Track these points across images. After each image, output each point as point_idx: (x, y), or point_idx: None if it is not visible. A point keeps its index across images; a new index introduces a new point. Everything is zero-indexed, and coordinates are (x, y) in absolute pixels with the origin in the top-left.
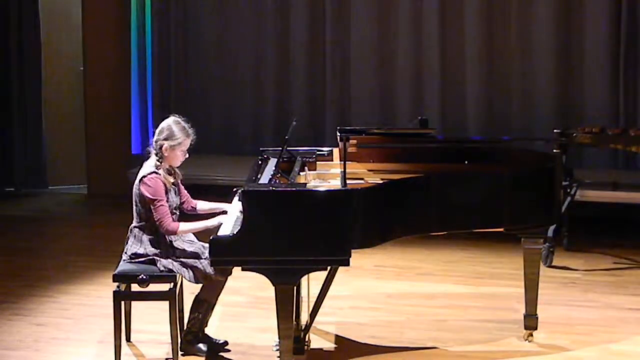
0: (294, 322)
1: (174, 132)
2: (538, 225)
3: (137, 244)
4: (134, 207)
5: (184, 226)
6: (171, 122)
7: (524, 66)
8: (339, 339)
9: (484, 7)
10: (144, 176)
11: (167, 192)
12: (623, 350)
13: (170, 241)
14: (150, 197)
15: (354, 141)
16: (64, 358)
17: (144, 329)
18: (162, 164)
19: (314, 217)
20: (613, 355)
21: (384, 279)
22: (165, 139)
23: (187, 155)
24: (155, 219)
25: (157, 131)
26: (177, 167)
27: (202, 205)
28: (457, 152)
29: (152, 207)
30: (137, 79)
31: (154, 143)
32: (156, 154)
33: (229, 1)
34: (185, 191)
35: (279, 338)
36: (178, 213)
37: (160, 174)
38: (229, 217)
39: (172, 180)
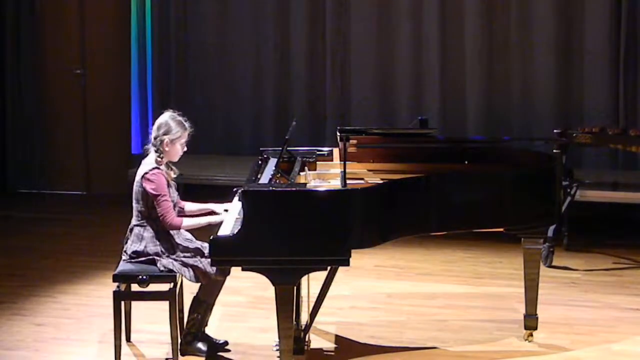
0: (294, 322)
1: (172, 127)
2: (538, 225)
3: (137, 242)
4: (134, 205)
5: (187, 221)
6: (168, 117)
7: (524, 66)
8: (339, 339)
9: (483, 7)
10: (146, 172)
11: (168, 187)
12: (623, 350)
13: (172, 238)
14: (154, 192)
15: (354, 141)
16: (64, 358)
17: (144, 329)
18: (163, 159)
19: (314, 217)
20: (613, 355)
21: (384, 279)
22: (165, 134)
23: (185, 149)
24: (159, 214)
25: (154, 127)
26: (175, 165)
27: (190, 207)
28: (457, 152)
29: (155, 202)
30: (137, 79)
31: (153, 139)
32: (156, 150)
33: (229, 1)
34: (177, 192)
35: (279, 338)
36: (177, 209)
37: (162, 170)
38: (229, 217)
39: (172, 175)
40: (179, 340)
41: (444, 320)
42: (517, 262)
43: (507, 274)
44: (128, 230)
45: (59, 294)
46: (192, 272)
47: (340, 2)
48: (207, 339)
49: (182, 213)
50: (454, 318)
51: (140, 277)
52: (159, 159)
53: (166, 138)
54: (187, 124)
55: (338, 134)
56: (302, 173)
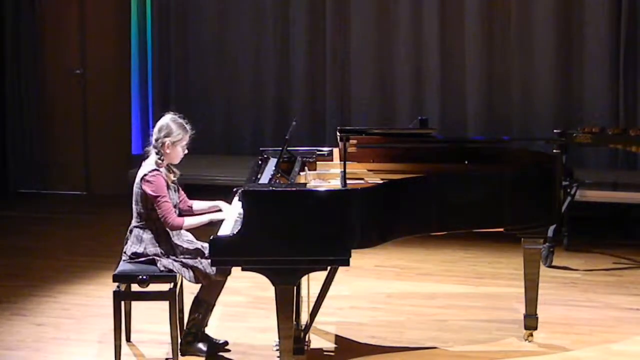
0: (294, 322)
1: (173, 129)
2: (538, 225)
3: (137, 243)
4: (134, 206)
5: (189, 220)
6: (169, 120)
7: (524, 66)
8: (339, 339)
9: (484, 7)
10: (145, 174)
11: (167, 189)
12: (623, 350)
13: (172, 240)
14: (153, 194)
15: (354, 141)
16: (64, 358)
17: (144, 329)
18: (163, 161)
19: (314, 217)
20: (613, 355)
21: (384, 279)
22: (166, 136)
23: (186, 151)
24: (160, 216)
25: (155, 130)
26: (175, 166)
27: (198, 205)
28: (457, 152)
29: (155, 203)
30: (137, 79)
31: (154, 141)
32: (157, 152)
33: (229, 1)
34: (182, 191)
35: (279, 338)
36: (177, 211)
37: (161, 171)
38: (229, 217)
39: (172, 177)
40: (179, 340)
41: (444, 320)
42: (517, 262)
43: (507, 274)
44: (128, 231)
45: (59, 294)
46: (191, 273)
47: (340, 2)
48: (207, 339)
49: (190, 212)
50: (454, 318)
51: (140, 277)
52: (159, 161)
53: (167, 140)
54: (188, 127)
55: (338, 134)
56: (302, 173)
